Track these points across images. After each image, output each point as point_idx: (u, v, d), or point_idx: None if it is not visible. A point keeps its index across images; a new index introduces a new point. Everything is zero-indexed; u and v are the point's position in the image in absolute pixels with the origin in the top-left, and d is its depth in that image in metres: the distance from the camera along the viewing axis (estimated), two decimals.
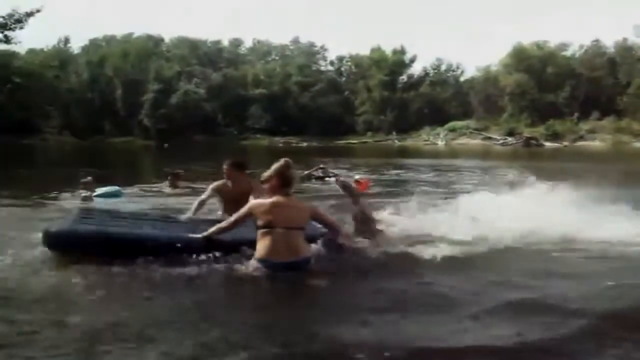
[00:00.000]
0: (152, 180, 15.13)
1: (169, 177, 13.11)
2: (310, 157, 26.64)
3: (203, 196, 7.24)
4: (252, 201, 5.53)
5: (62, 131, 64.59)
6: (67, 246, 5.34)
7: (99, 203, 10.70)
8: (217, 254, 5.30)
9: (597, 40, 67.19)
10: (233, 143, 59.30)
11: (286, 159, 5.39)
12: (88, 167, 18.57)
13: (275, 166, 5.32)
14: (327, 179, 16.45)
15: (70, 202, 10.89)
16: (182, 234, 5.51)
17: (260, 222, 5.11)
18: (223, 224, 5.36)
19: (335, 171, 17.41)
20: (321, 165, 17.46)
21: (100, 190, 11.41)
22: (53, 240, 5.40)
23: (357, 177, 14.97)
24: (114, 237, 5.37)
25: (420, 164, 26.31)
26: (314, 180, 16.29)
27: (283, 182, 5.25)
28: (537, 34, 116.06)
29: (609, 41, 67.30)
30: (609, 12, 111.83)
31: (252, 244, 5.19)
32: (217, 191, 7.25)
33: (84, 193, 11.19)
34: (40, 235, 5.56)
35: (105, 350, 3.65)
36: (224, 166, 7.22)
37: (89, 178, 11.48)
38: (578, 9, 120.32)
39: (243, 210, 5.32)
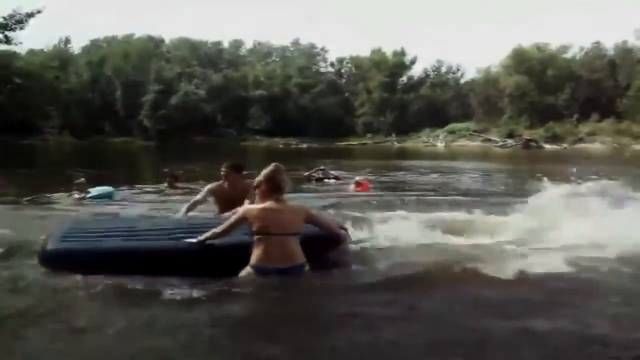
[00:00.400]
0: (150, 181, 15.13)
1: (167, 178, 13.11)
2: (310, 159, 26.67)
3: (198, 197, 7.23)
4: (246, 206, 5.49)
5: (62, 131, 64.55)
6: (64, 265, 5.28)
7: (92, 204, 10.71)
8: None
9: (597, 43, 67.26)
10: (233, 144, 59.30)
11: (276, 163, 5.34)
12: (87, 167, 18.58)
13: (264, 171, 5.28)
14: (326, 180, 16.50)
15: (64, 202, 10.91)
16: (176, 242, 5.44)
17: (254, 228, 5.07)
18: (217, 229, 5.30)
19: (335, 173, 17.44)
20: (321, 167, 17.49)
21: (94, 191, 11.41)
22: (48, 259, 5.37)
23: (357, 178, 15.06)
24: (110, 252, 5.34)
25: (421, 166, 26.31)
26: (314, 182, 16.33)
27: (273, 187, 5.21)
28: (537, 35, 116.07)
29: (609, 43, 67.42)
30: (610, 14, 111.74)
31: (247, 248, 5.13)
32: (213, 192, 7.24)
33: (77, 195, 11.19)
34: (30, 236, 5.55)
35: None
36: (222, 168, 7.20)
37: (82, 179, 11.48)
38: (578, 11, 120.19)
39: (237, 215, 5.29)
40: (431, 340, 3.98)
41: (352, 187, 14.40)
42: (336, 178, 16.76)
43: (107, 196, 11.41)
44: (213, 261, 5.24)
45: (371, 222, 7.74)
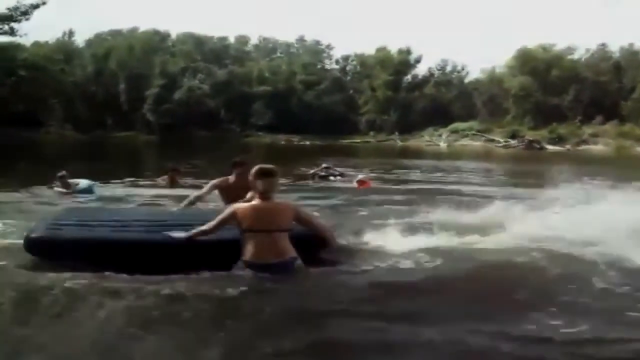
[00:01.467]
0: (150, 175, 15.02)
1: (168, 173, 12.95)
2: (313, 156, 26.65)
3: (202, 191, 7.33)
4: (234, 205, 5.54)
5: (65, 125, 64.46)
6: (49, 252, 5.31)
7: (77, 197, 10.65)
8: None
9: (603, 45, 67.12)
10: (235, 140, 59.23)
11: (260, 165, 5.44)
12: (89, 161, 18.52)
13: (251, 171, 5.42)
14: (331, 178, 16.50)
15: (45, 195, 10.84)
16: (166, 236, 5.43)
17: (243, 226, 5.17)
18: (205, 227, 5.34)
19: (340, 169, 17.45)
20: (324, 165, 17.45)
21: (82, 183, 11.35)
22: (34, 246, 5.36)
23: (360, 176, 15.13)
24: (97, 242, 5.36)
25: (423, 165, 26.33)
26: (317, 179, 16.33)
27: (257, 189, 5.34)
28: (543, 36, 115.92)
29: (615, 46, 67.23)
30: (616, 17, 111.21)
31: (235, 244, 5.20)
32: (218, 187, 7.36)
33: (57, 188, 11.14)
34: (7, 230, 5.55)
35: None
36: (236, 160, 7.39)
37: (64, 172, 11.36)
38: (585, 13, 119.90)
39: (225, 213, 5.36)
40: (423, 339, 3.97)
41: (355, 185, 14.41)
42: (341, 175, 16.78)
43: (86, 191, 11.32)
44: (201, 255, 5.27)
45: (370, 220, 7.71)
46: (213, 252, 5.28)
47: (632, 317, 4.47)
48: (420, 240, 6.40)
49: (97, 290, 4.63)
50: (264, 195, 5.28)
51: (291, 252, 5.20)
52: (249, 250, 5.12)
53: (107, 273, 4.92)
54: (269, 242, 5.12)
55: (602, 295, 4.90)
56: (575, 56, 67.96)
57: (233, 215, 5.23)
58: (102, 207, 8.89)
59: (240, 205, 5.37)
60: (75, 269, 4.98)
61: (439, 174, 21.05)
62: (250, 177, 5.38)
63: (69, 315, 4.23)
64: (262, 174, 5.32)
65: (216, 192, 7.48)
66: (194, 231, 5.33)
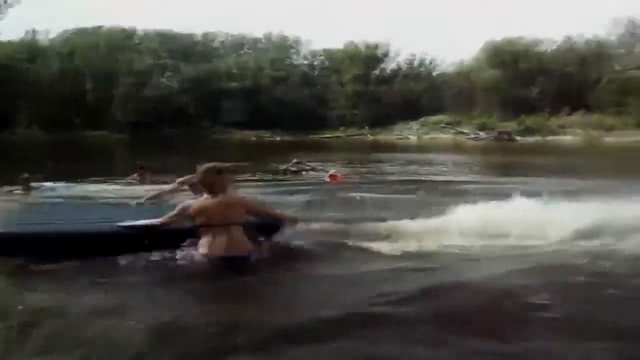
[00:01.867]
0: (119, 174, 14.83)
1: (137, 171, 12.77)
2: (284, 152, 26.58)
3: (167, 187, 7.38)
4: (185, 202, 5.63)
5: (32, 125, 63.35)
6: (8, 250, 5.22)
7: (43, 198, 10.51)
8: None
9: (568, 37, 67.94)
10: (206, 137, 58.87)
11: (207, 165, 5.50)
12: (57, 161, 18.21)
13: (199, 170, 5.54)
14: (303, 173, 16.51)
15: (8, 199, 10.65)
16: (118, 227, 5.42)
17: (196, 222, 5.30)
18: (153, 221, 5.36)
19: (312, 164, 17.45)
20: (295, 160, 17.43)
21: (46, 186, 11.27)
22: None
23: (331, 171, 15.14)
24: (49, 236, 5.33)
25: (396, 158, 26.42)
26: (289, 174, 16.32)
27: (205, 187, 5.47)
28: (512, 29, 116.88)
29: (581, 37, 68.07)
30: (581, 9, 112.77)
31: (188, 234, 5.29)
32: (185, 184, 7.42)
33: (18, 191, 11.00)
34: None
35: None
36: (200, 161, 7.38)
37: (26, 175, 11.21)
38: (552, 5, 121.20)
39: (178, 209, 5.43)
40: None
41: (327, 179, 14.42)
42: (312, 169, 16.79)
43: (52, 191, 11.23)
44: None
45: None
46: (164, 241, 5.31)
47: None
48: (398, 237, 6.36)
49: (51, 285, 4.58)
50: (213, 192, 5.37)
51: (247, 244, 5.32)
52: (205, 245, 5.22)
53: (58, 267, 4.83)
54: (224, 236, 5.21)
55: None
56: (542, 48, 68.81)
57: (185, 211, 5.34)
58: (58, 204, 8.86)
59: (193, 202, 5.49)
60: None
61: (412, 167, 21.14)
62: (199, 175, 5.47)
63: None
64: (208, 171, 5.42)
65: (187, 187, 7.51)
66: (144, 222, 5.34)
